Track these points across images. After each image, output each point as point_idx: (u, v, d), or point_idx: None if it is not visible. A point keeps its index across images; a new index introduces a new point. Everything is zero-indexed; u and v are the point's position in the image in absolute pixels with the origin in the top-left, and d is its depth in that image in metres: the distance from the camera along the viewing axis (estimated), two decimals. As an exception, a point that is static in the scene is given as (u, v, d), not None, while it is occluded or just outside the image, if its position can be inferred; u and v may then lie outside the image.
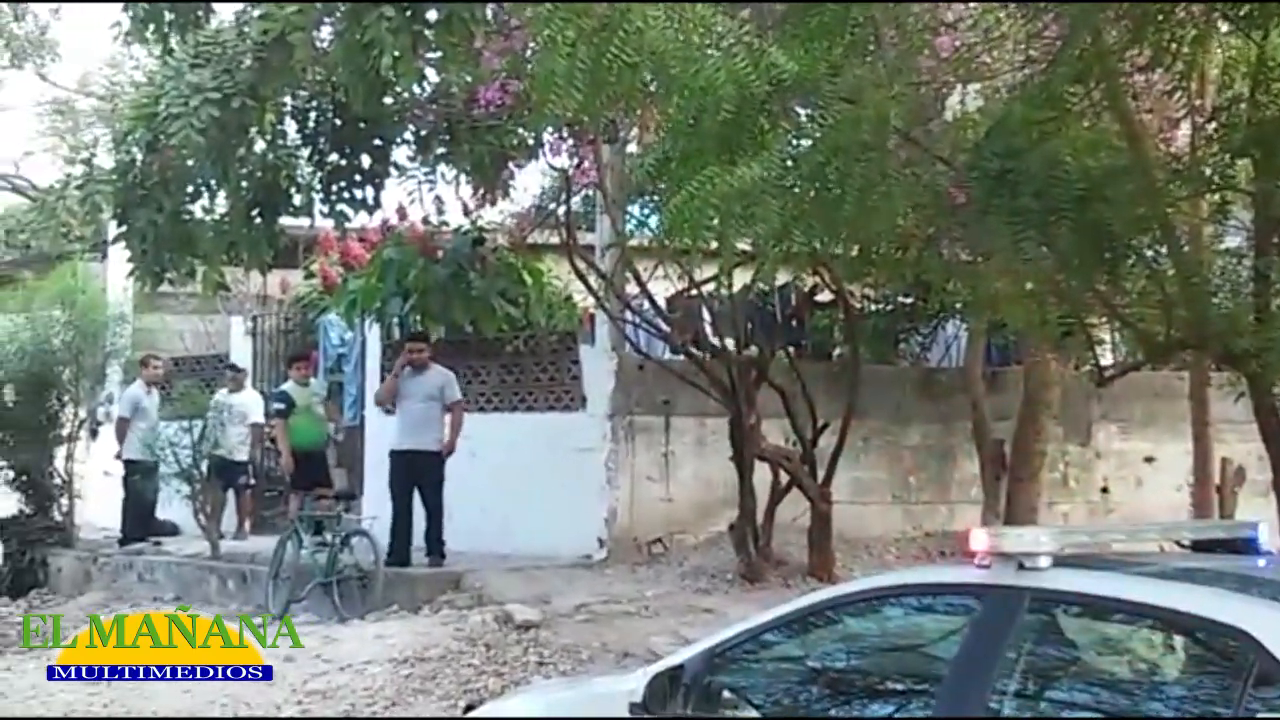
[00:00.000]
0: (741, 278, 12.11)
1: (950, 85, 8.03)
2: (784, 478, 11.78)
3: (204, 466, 14.01)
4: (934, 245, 7.92)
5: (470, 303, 13.53)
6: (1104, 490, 14.76)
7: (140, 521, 14.93)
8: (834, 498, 11.88)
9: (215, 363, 16.56)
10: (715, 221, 6.20)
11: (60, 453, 15.70)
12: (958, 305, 11.72)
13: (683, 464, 12.81)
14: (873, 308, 13.94)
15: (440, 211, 13.52)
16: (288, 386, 14.06)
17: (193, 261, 11.86)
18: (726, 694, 5.04)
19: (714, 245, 7.60)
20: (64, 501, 15.75)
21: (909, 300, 13.79)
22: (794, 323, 13.06)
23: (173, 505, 14.56)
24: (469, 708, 6.37)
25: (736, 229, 6.44)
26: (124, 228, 11.44)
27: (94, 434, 16.19)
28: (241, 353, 16.68)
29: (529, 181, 15.95)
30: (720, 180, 5.85)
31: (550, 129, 11.10)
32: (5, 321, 16.07)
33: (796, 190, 6.46)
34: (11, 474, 15.71)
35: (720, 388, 11.74)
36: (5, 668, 10.93)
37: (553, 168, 12.52)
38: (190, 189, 11.28)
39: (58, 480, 15.74)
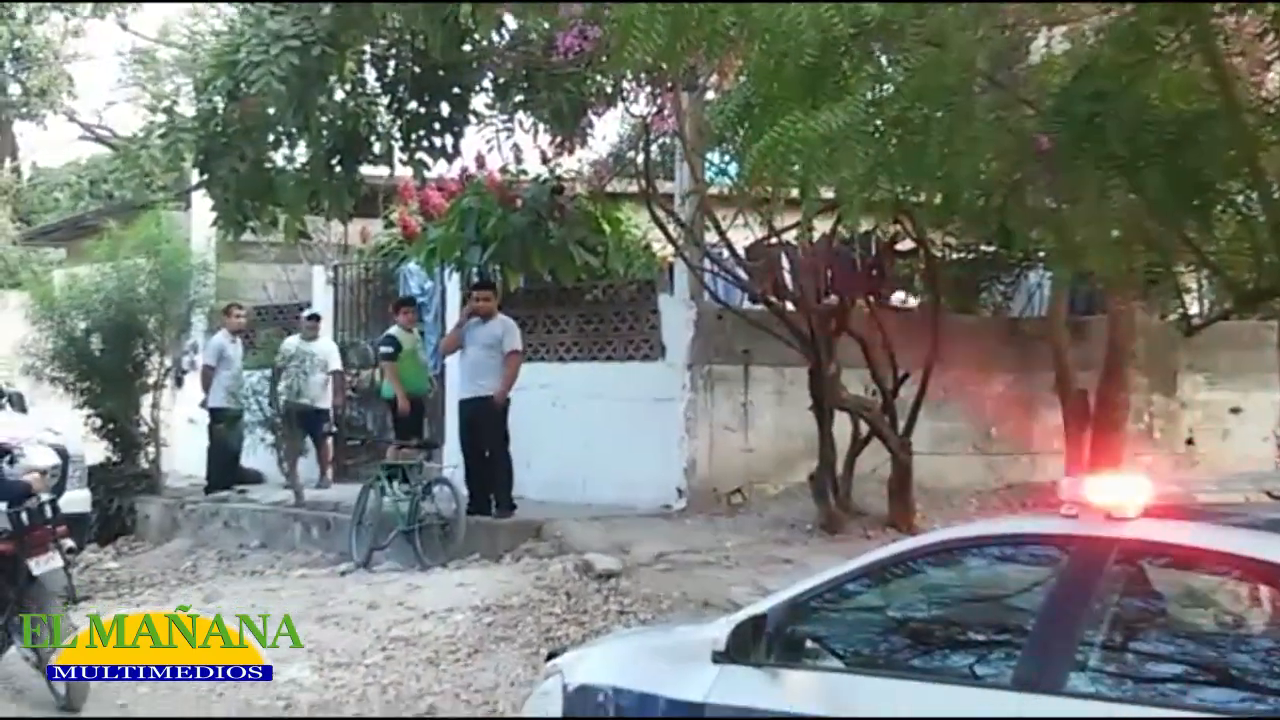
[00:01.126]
0: (821, 226, 12.02)
1: (1036, 28, 7.88)
2: (864, 428, 11.73)
3: (286, 415, 14.09)
4: (1019, 192, 7.79)
5: (549, 251, 13.52)
6: (1189, 441, 14.57)
7: (225, 470, 15.12)
8: (914, 448, 11.81)
9: (297, 312, 16.68)
10: (798, 168, 6.12)
11: (146, 401, 15.87)
12: (1041, 253, 11.56)
13: (762, 414, 12.77)
14: (954, 256, 13.78)
15: (518, 160, 13.52)
16: (394, 331, 14.06)
17: (274, 210, 11.96)
18: (809, 643, 5.05)
19: (795, 193, 7.54)
20: (150, 449, 15.94)
21: (991, 249, 13.63)
22: (874, 272, 12.94)
23: (257, 453, 14.73)
24: (551, 654, 6.38)
25: (819, 176, 6.35)
26: (206, 176, 11.55)
27: (179, 382, 16.37)
28: (323, 302, 16.79)
29: (607, 129, 15.92)
30: (803, 126, 5.76)
31: (629, 76, 11.04)
32: (92, 271, 16.25)
33: (880, 136, 6.36)
34: (99, 422, 15.91)
35: (800, 337, 11.68)
36: (95, 613, 11.13)
37: (631, 115, 12.46)
38: (271, 137, 11.36)
39: (144, 428, 15.93)
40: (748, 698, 4.93)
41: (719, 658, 5.07)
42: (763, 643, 4.99)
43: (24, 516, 8.68)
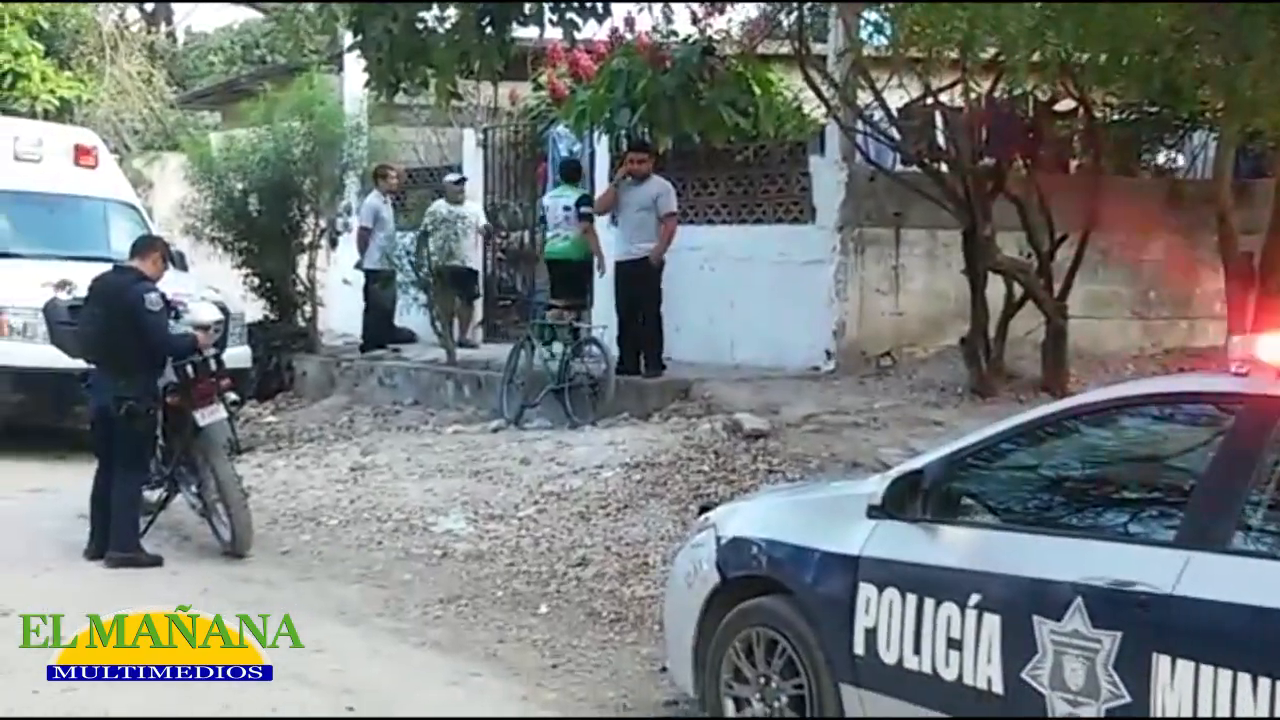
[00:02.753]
0: (978, 86, 11.73)
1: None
2: (1018, 291, 11.55)
3: (438, 275, 14.24)
4: (1188, 47, 7.55)
5: (699, 113, 13.41)
6: (1358, 308, 14.12)
7: (380, 329, 15.38)
8: (1070, 312, 11.62)
9: (447, 174, 16.81)
10: (962, 25, 5.98)
11: (302, 261, 16.15)
12: (1208, 113, 11.20)
13: (913, 277, 12.64)
14: (1115, 117, 13.40)
15: (668, 21, 13.36)
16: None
17: (426, 71, 11.99)
18: (966, 499, 5.05)
19: (953, 53, 7.38)
20: (306, 308, 16.26)
21: (1155, 108, 13.23)
22: (1032, 132, 12.64)
23: (410, 313, 14.97)
24: (704, 509, 6.46)
25: (983, 34, 6.21)
26: (359, 38, 11.59)
27: (333, 243, 16.61)
28: (473, 165, 16.87)
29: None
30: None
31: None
32: (248, 133, 16.49)
33: (1047, -10, 6.20)
34: (257, 281, 16.27)
35: (954, 199, 11.49)
36: (258, 464, 11.51)
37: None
38: (423, -3, 11.36)
39: (300, 288, 16.24)
40: (903, 551, 4.96)
41: (874, 513, 5.10)
42: (919, 499, 5.01)
43: (190, 370, 8.98)
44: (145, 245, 9.26)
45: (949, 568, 4.81)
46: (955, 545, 4.88)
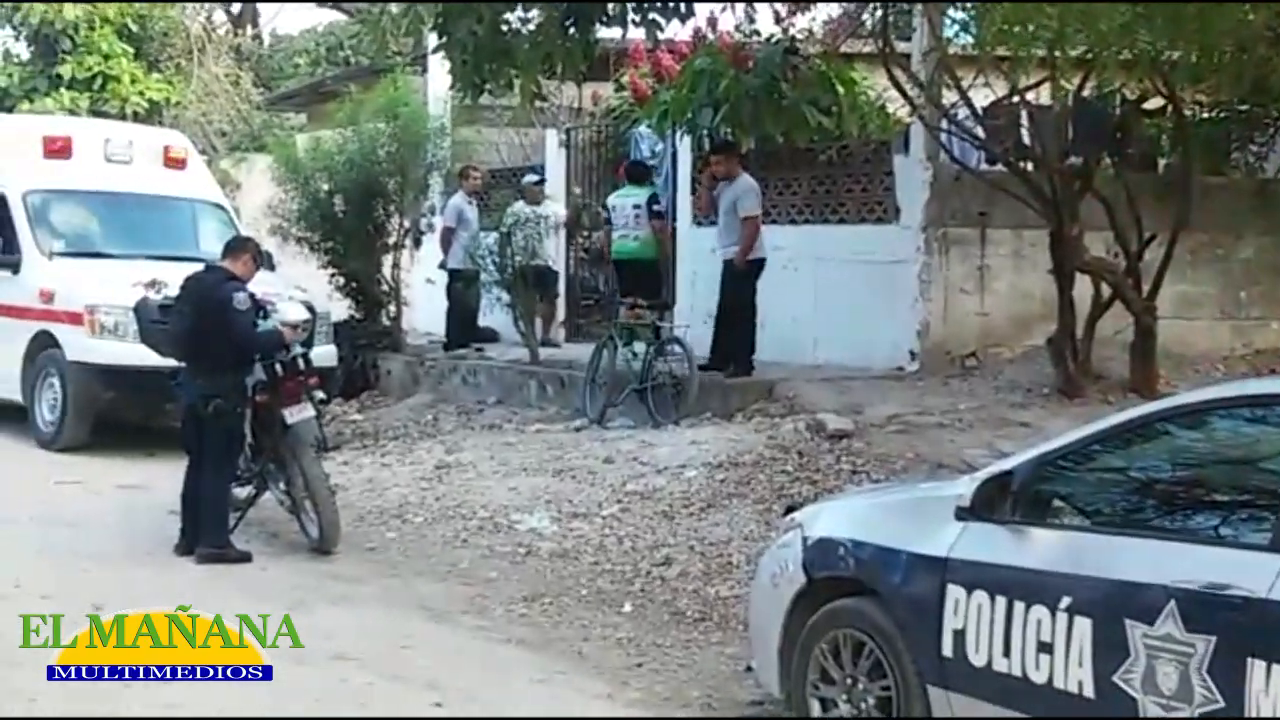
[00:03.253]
0: (1064, 84, 11.63)
1: None
2: (1106, 291, 11.43)
3: (520, 275, 14.32)
4: (1281, 45, 7.45)
5: (781, 113, 13.38)
6: None
7: (463, 328, 15.46)
8: (1159, 312, 11.48)
9: (528, 174, 16.90)
10: (1052, 23, 5.93)
11: (387, 261, 16.27)
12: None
13: (998, 276, 12.54)
14: (1204, 115, 13.22)
15: (751, 20, 13.34)
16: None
17: (510, 73, 12.07)
18: (1055, 501, 5.01)
19: (1039, 50, 7.31)
20: (391, 308, 16.38)
21: (1245, 107, 13.04)
22: (1120, 131, 12.50)
23: (493, 312, 15.05)
24: (789, 509, 6.45)
25: (1073, 31, 6.15)
26: (444, 39, 11.69)
27: (417, 243, 16.72)
28: (555, 165, 16.95)
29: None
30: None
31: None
32: (333, 134, 16.65)
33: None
34: (342, 280, 16.41)
35: (1040, 198, 11.38)
36: (344, 462, 11.63)
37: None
38: (507, -1, 11.43)
39: (385, 287, 16.35)
40: (992, 553, 4.94)
41: (963, 514, 5.07)
42: (1008, 500, 4.99)
43: (278, 368, 9.11)
44: (237, 246, 9.42)
45: (1039, 570, 4.77)
46: (1045, 547, 4.85)
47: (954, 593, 4.98)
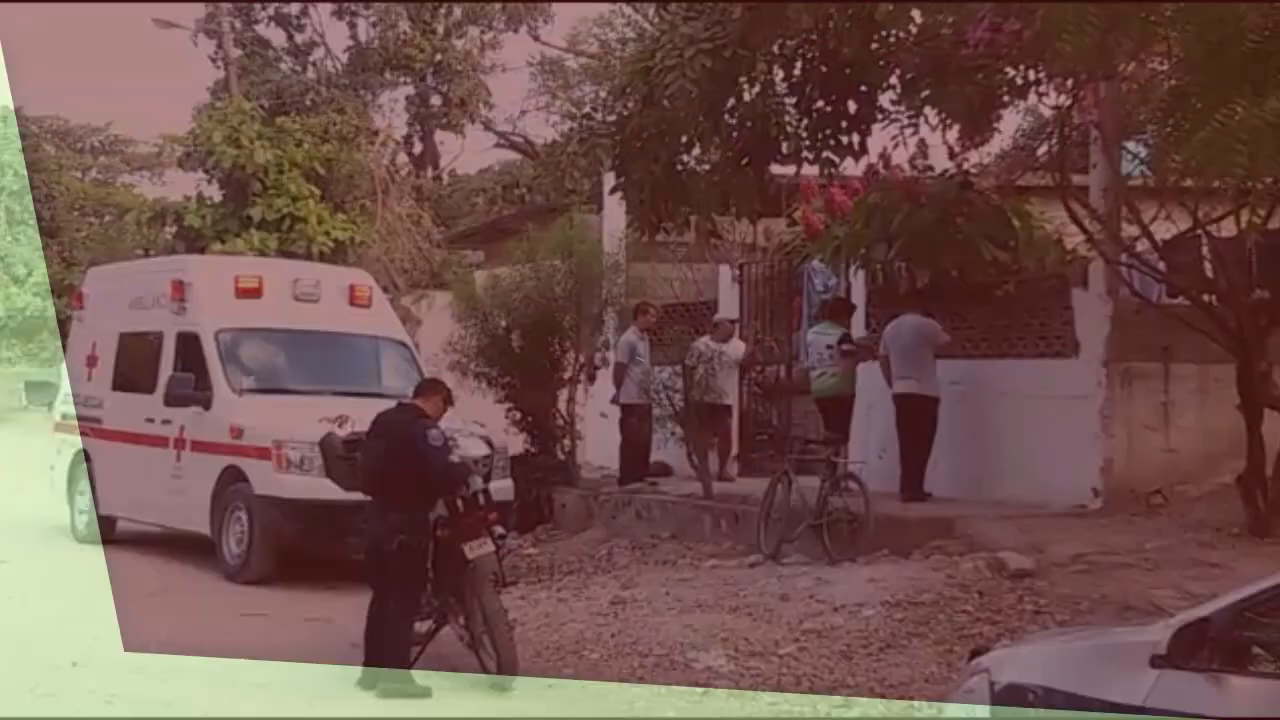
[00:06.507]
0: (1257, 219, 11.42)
1: None
2: (1297, 428, 11.10)
3: (696, 410, 14.39)
4: None
5: (956, 247, 13.31)
6: None
7: (637, 462, 15.57)
8: (1353, 449, 11.11)
9: (703, 310, 17.02)
10: (1242, 159, 5.85)
11: (562, 395, 16.50)
12: None
13: (1184, 412, 12.28)
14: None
15: (924, 155, 13.34)
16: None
17: (686, 211, 12.26)
18: (1256, 649, 4.84)
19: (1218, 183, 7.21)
20: (566, 442, 16.56)
21: None
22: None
23: (666, 447, 15.12)
24: (974, 653, 6.32)
25: (1267, 165, 6.07)
26: (623, 179, 11.95)
27: (591, 378, 16.93)
28: (729, 299, 17.10)
29: (1006, 123, 15.57)
30: (1250, 114, 5.52)
31: (1041, 68, 10.77)
32: (511, 271, 17.01)
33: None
34: (518, 415, 16.65)
35: (1226, 332, 11.14)
36: (520, 596, 11.70)
37: (1051, 107, 12.12)
38: (683, 139, 11.65)
39: (560, 421, 16.56)
40: (1190, 703, 4.78)
41: (1158, 661, 4.92)
42: (1206, 647, 4.83)
43: (459, 503, 9.25)
44: (429, 387, 9.69)
45: (1240, 721, 4.61)
46: (1247, 697, 4.69)
47: (1149, 742, 4.82)
